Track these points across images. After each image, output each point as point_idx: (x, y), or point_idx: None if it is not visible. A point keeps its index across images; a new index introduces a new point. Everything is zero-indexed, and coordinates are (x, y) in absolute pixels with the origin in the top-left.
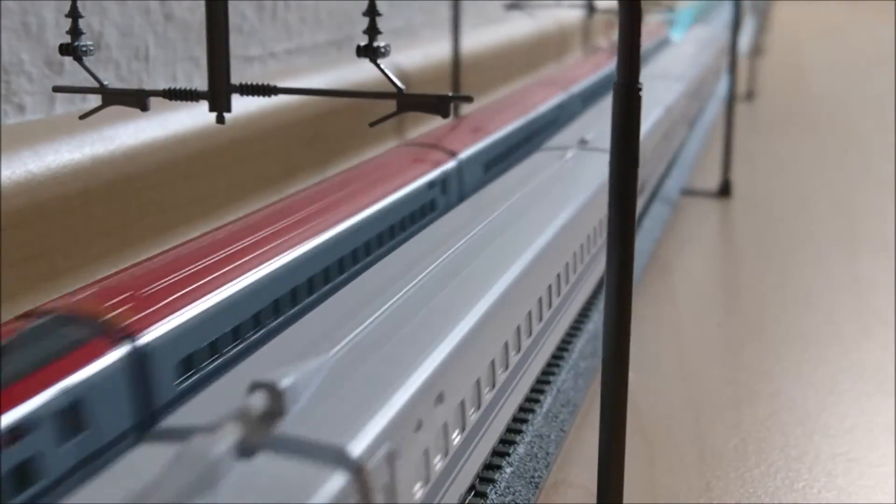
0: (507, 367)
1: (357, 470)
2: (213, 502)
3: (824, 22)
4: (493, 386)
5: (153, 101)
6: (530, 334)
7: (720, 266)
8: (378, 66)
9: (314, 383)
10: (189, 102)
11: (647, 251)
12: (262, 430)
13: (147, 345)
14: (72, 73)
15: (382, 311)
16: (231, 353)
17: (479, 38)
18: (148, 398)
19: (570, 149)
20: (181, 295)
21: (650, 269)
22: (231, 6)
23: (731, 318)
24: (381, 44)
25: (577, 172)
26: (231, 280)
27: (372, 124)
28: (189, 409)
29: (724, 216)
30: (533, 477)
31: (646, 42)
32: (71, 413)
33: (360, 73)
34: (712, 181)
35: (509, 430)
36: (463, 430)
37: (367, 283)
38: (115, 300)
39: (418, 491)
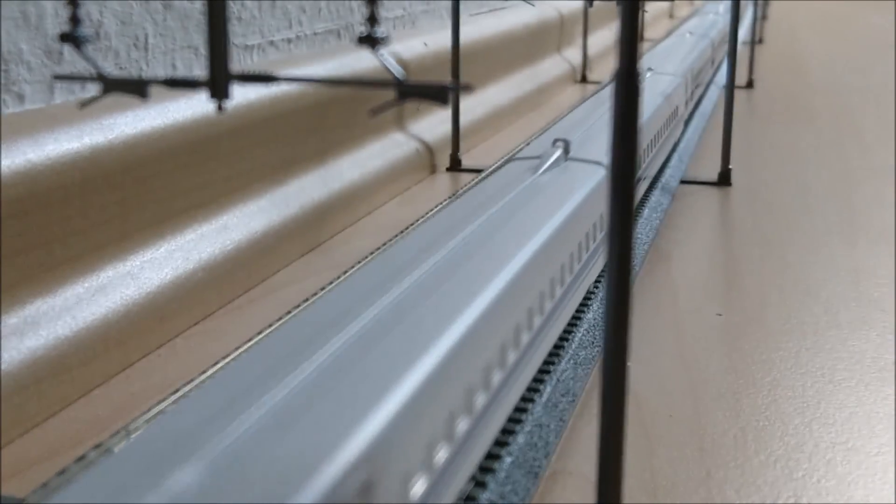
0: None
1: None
2: None
3: (824, 11)
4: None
5: (153, 89)
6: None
7: (719, 255)
8: (377, 54)
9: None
10: (189, 91)
11: (646, 240)
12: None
13: None
14: (71, 62)
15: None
16: None
17: (478, 27)
18: None
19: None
20: None
21: (649, 259)
22: None
23: (729, 306)
24: (381, 32)
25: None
26: None
27: (371, 113)
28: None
29: (723, 205)
30: (532, 466)
31: None
32: None
33: (360, 62)
34: (712, 170)
35: (509, 419)
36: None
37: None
38: None
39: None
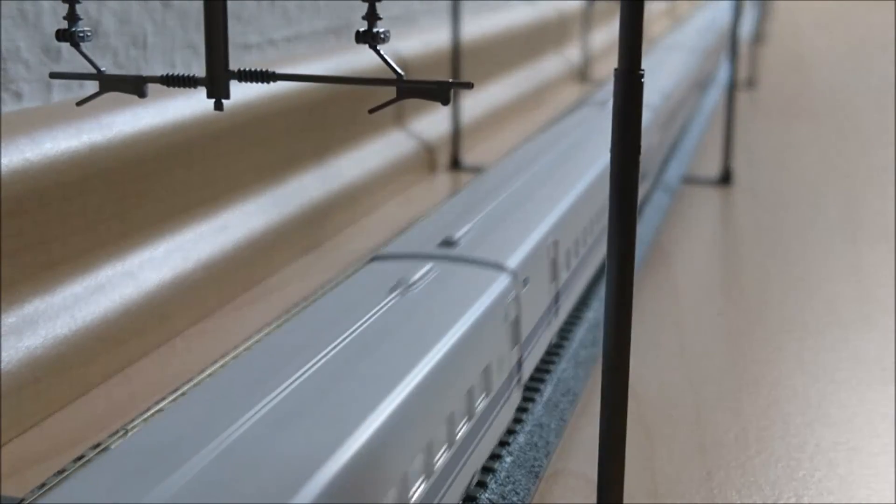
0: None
1: None
2: None
3: (826, 10)
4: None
5: (151, 87)
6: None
7: (721, 254)
8: (377, 51)
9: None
10: (187, 89)
11: (648, 239)
12: None
13: None
14: (69, 60)
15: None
16: None
17: (478, 25)
18: None
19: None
20: None
21: (650, 258)
22: None
23: (731, 306)
24: (381, 29)
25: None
26: None
27: (371, 111)
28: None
29: (724, 204)
30: (533, 466)
31: None
32: None
33: (360, 60)
34: (713, 169)
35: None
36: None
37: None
38: None
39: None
